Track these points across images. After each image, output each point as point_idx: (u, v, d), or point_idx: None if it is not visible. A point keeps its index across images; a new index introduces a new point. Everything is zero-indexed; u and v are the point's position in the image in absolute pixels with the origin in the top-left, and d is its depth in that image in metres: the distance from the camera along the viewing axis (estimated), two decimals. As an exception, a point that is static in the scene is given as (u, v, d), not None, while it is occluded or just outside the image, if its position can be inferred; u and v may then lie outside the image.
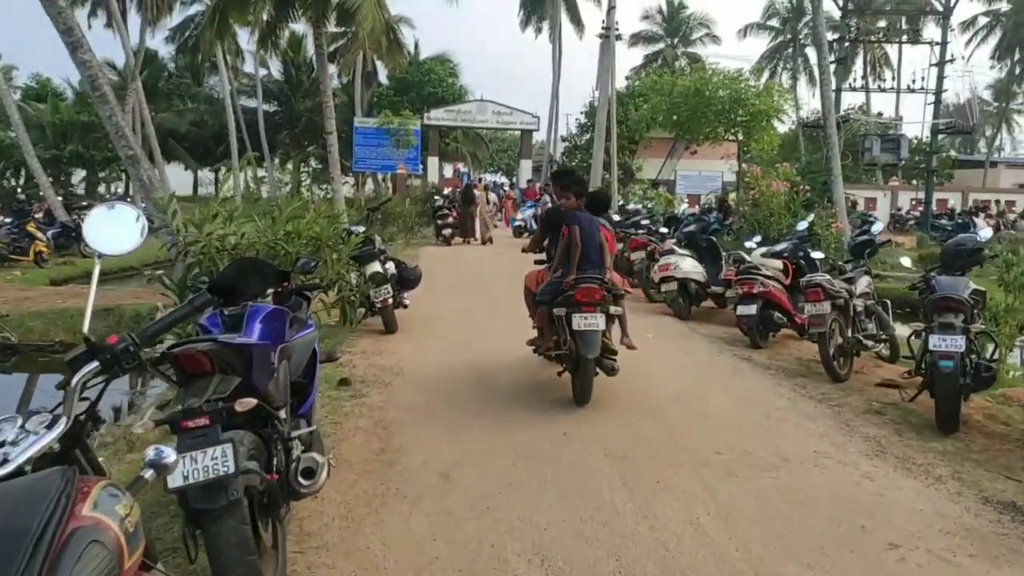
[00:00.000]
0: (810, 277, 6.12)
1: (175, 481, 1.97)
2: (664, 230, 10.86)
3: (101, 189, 35.41)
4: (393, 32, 20.50)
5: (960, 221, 24.26)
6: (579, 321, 4.71)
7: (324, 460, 2.61)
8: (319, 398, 4.64)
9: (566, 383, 5.04)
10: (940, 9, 26.01)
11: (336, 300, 6.70)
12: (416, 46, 35.74)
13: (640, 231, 11.09)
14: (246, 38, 26.23)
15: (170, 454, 1.62)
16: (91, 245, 1.97)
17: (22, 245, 14.80)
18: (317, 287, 3.93)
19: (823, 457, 4.08)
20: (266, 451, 2.41)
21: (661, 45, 40.63)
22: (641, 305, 9.66)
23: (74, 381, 1.62)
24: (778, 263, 7.59)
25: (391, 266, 7.51)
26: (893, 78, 32.34)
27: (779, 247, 7.92)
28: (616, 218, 13.32)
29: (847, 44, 27.40)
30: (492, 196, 24.51)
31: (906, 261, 7.21)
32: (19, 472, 1.35)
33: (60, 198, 21.72)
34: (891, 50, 35.00)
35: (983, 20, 37.99)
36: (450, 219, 18.19)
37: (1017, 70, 39.90)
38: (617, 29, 22.55)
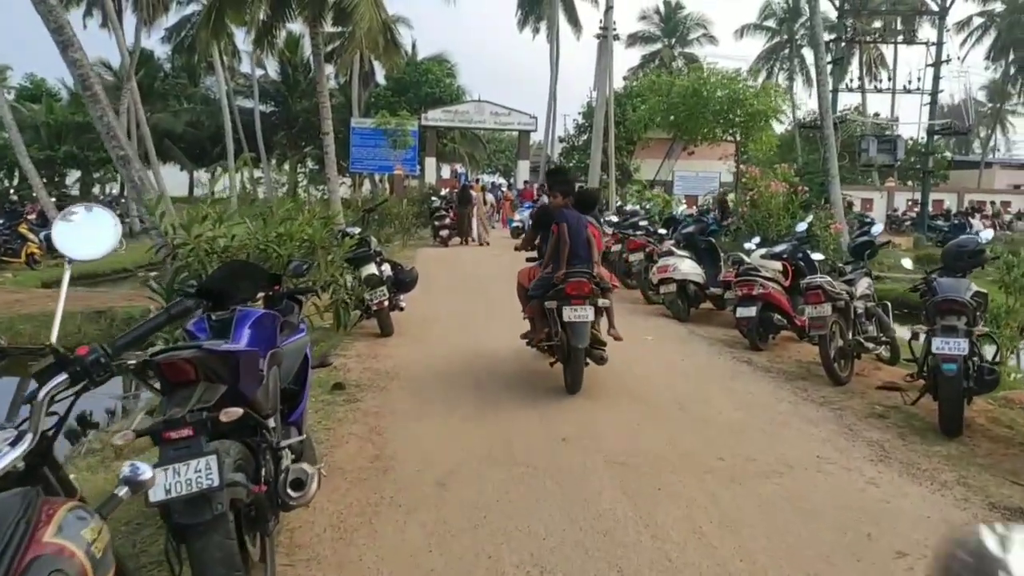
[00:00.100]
0: (811, 279, 6.06)
1: (156, 495, 1.88)
2: (662, 231, 10.79)
3: (96, 190, 35.19)
4: (390, 32, 20.41)
5: (956, 222, 24.31)
6: (569, 313, 4.99)
7: (314, 471, 2.52)
8: (312, 404, 4.57)
9: (561, 383, 5.21)
10: (935, 10, 26.04)
11: (330, 304, 6.61)
12: (413, 46, 35.75)
13: (638, 232, 11.02)
14: (242, 38, 26.12)
15: (146, 470, 1.53)
16: (60, 250, 1.85)
17: (14, 247, 14.68)
18: (309, 291, 3.85)
19: (827, 463, 4.01)
20: (254, 461, 2.32)
21: (658, 45, 40.62)
22: (639, 307, 9.59)
23: (41, 395, 1.52)
24: (777, 264, 7.53)
25: (387, 268, 7.43)
26: (889, 79, 32.51)
27: (778, 248, 7.86)
28: (614, 219, 13.29)
29: (843, 45, 27.43)
30: (490, 197, 24.46)
31: (907, 263, 7.17)
32: None
33: (54, 199, 21.59)
34: (887, 51, 35.16)
35: (978, 21, 38.10)
36: (447, 220, 18.13)
37: (1012, 71, 39.99)
38: (615, 29, 22.51)
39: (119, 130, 8.15)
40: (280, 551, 2.80)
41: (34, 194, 19.57)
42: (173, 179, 34.40)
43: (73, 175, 34.25)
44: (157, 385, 2.14)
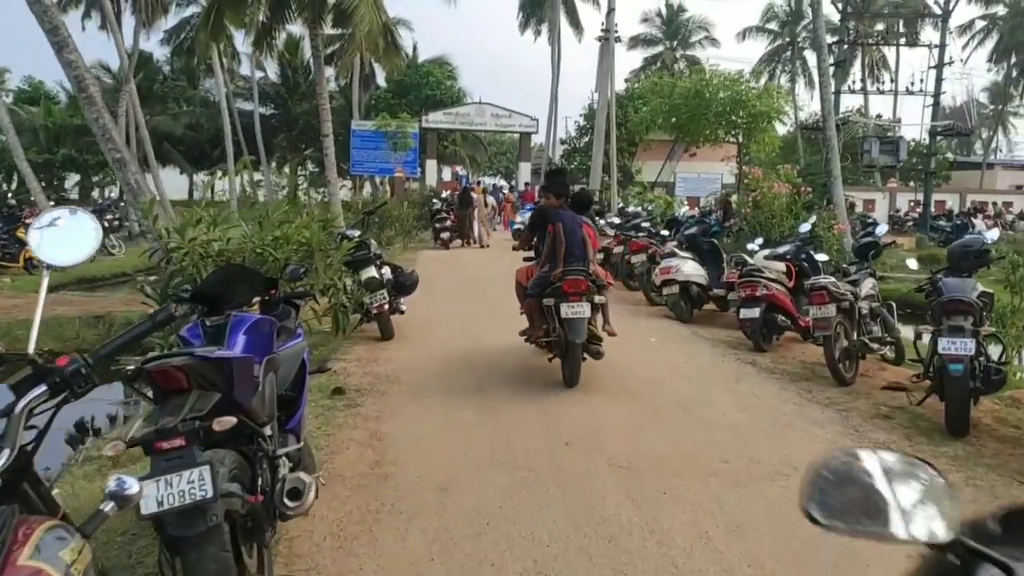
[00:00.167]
0: (815, 279, 6.03)
1: (148, 507, 1.82)
2: (665, 233, 10.75)
3: (95, 193, 35.15)
4: (391, 34, 20.40)
5: (959, 222, 24.26)
6: (567, 310, 5.15)
7: (312, 480, 2.46)
8: (311, 409, 4.51)
9: (560, 378, 5.34)
10: (938, 12, 26.02)
11: (329, 308, 6.55)
12: (414, 48, 35.72)
13: (641, 234, 10.97)
14: (242, 40, 26.08)
15: (132, 484, 1.47)
16: (37, 255, 1.78)
17: (12, 251, 14.62)
18: (306, 295, 3.79)
19: (833, 466, 3.95)
20: (250, 470, 2.26)
21: (660, 48, 40.58)
22: (642, 308, 9.54)
23: (18, 408, 1.45)
24: (781, 265, 7.49)
25: (387, 271, 7.37)
26: (891, 80, 32.48)
27: (782, 249, 7.82)
28: (616, 221, 13.25)
29: (846, 47, 27.39)
30: (491, 199, 24.41)
31: (912, 263, 7.13)
32: None
33: (52, 203, 21.55)
34: (889, 53, 35.11)
35: (980, 23, 38.07)
36: (448, 222, 18.09)
37: (1014, 73, 39.95)
38: (616, 32, 22.49)
39: (115, 132, 8.09)
40: (279, 561, 2.74)
41: (32, 198, 19.50)
42: (173, 182, 34.35)
43: (72, 179, 34.24)
44: (150, 394, 2.08)
